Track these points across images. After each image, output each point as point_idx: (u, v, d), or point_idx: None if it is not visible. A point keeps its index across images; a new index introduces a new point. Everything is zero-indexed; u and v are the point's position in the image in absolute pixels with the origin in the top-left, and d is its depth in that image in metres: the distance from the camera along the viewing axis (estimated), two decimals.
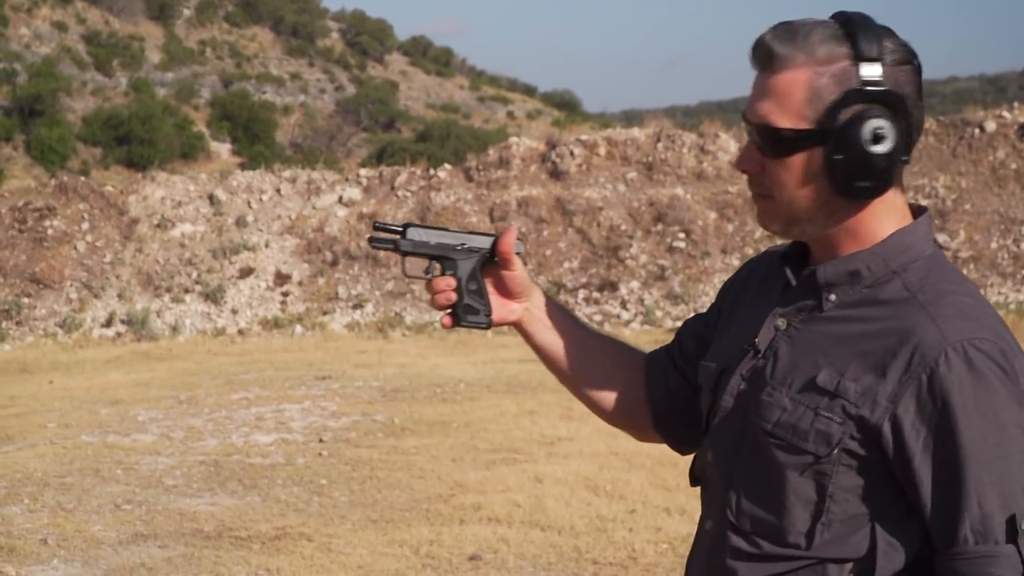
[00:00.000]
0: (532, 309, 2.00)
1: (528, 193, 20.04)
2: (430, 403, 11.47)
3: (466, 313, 1.93)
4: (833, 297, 1.65)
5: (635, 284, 18.80)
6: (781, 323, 1.69)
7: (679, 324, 16.84)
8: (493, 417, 10.55)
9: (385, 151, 36.26)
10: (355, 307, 18.74)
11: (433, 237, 1.94)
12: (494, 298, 1.96)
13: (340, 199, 20.40)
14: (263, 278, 19.22)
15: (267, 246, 19.67)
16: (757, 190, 1.68)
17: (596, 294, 18.59)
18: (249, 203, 20.38)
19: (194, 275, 19.07)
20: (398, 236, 1.93)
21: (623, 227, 19.60)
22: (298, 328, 18.08)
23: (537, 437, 9.61)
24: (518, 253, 1.95)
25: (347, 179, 21.00)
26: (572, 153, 20.74)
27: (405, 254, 1.94)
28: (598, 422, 8.12)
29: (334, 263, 19.42)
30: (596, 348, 2.02)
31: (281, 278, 19.22)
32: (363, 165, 25.30)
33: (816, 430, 1.58)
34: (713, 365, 1.79)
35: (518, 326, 2.01)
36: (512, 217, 19.21)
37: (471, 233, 1.96)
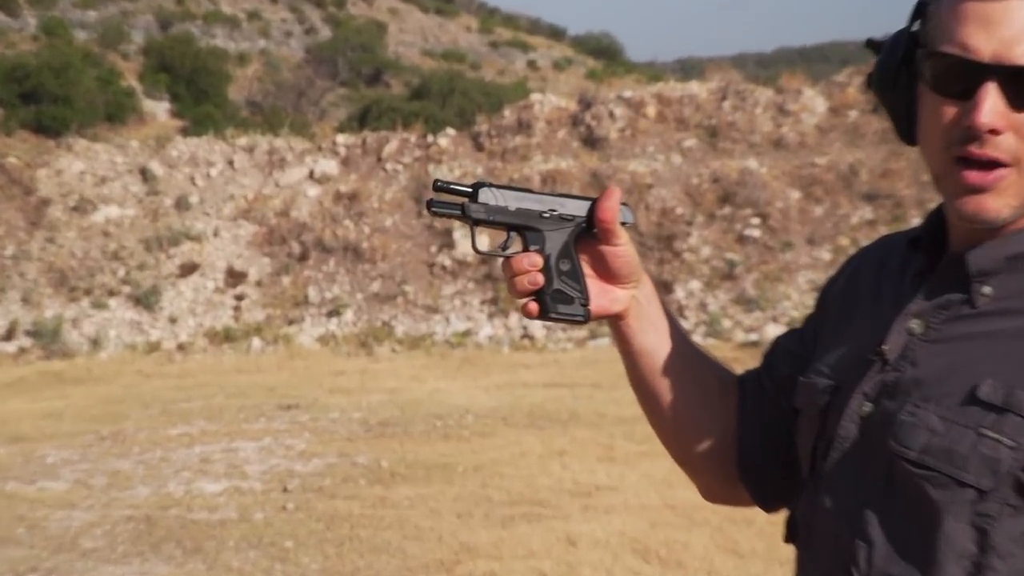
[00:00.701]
0: (640, 300, 2.00)
1: (555, 166, 19.82)
2: (428, 440, 11.43)
3: (556, 301, 1.93)
4: (988, 289, 1.65)
5: (695, 285, 18.75)
6: (916, 325, 1.69)
7: (753, 337, 16.71)
8: (511, 459, 10.51)
9: (370, 112, 35.94)
10: (330, 315, 18.69)
11: (512, 201, 1.95)
12: (592, 282, 1.96)
13: (311, 174, 20.31)
14: (211, 277, 19.16)
15: (216, 235, 19.63)
16: (992, 155, 1.59)
17: None
18: (193, 179, 20.31)
19: (121, 273, 19.05)
20: (467, 199, 1.95)
21: (679, 210, 19.45)
22: (256, 342, 18.16)
23: (568, 486, 9.54)
24: (624, 223, 1.94)
25: (320, 148, 20.92)
26: (612, 114, 20.60)
27: (476, 223, 1.95)
28: (648, 466, 8.56)
29: (303, 257, 19.34)
30: (696, 362, 2.03)
31: (234, 277, 19.17)
32: (341, 130, 25.61)
33: (980, 455, 1.55)
34: (822, 381, 1.80)
35: (618, 320, 2.00)
36: None
37: (561, 196, 1.96)
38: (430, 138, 21.08)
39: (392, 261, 19.47)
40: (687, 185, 19.93)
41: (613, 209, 1.90)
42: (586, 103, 21.33)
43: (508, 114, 21.55)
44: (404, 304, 18.96)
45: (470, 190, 1.94)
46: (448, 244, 19.20)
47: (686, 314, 18.39)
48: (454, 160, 20.49)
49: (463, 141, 21.01)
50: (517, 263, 1.92)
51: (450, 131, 21.70)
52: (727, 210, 19.67)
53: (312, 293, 19.17)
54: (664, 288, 18.66)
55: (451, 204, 1.92)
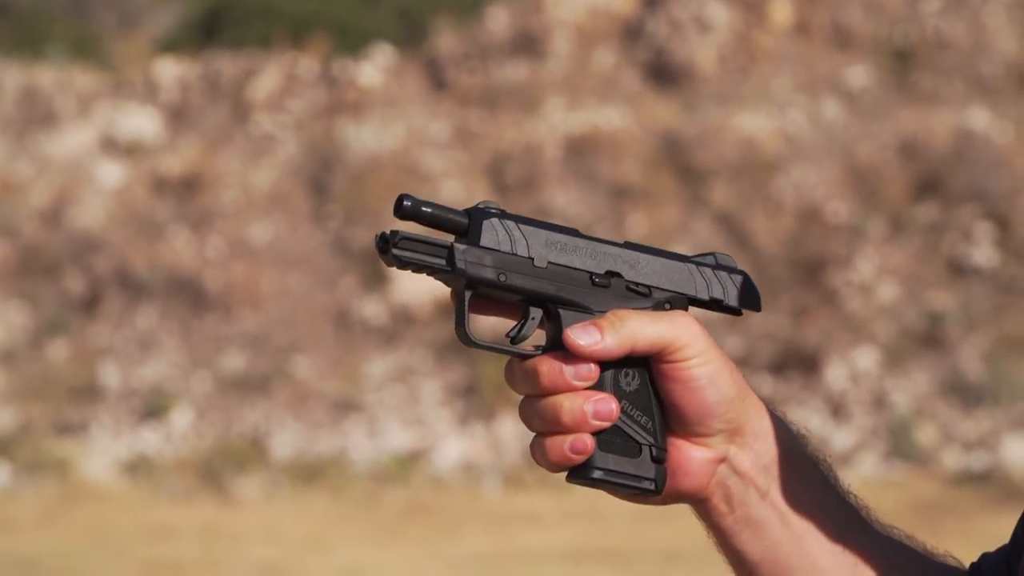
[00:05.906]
0: (743, 468, 1.38)
1: (590, 122, 16.93)
2: None
3: (607, 450, 1.37)
4: None
5: (865, 357, 15.45)
6: None
7: (977, 462, 14.29)
8: None
9: (222, 15, 30.61)
10: (145, 418, 15.84)
11: (542, 247, 1.38)
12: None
13: (106, 139, 17.99)
14: None
15: None
16: None
17: (771, 378, 15.63)
18: None
19: None
20: (454, 236, 1.38)
21: (834, 209, 16.40)
22: None
23: None
24: (736, 311, 1.46)
25: (123, 85, 18.59)
26: (702, 21, 17.59)
27: (471, 284, 1.36)
28: None
29: (90, 304, 16.74)
30: (876, 558, 1.44)
31: None
32: (166, 50, 22.54)
33: None
34: None
35: (699, 504, 1.39)
36: (547, 185, 15.32)
37: (628, 247, 1.40)
38: (341, 65, 18.24)
39: (268, 311, 16.51)
40: (850, 160, 16.84)
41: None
42: None
43: (496, 18, 18.34)
44: (290, 396, 15.90)
45: (463, 218, 1.39)
46: (375, 279, 15.93)
47: (848, 412, 14.85)
48: (390, 109, 17.06)
49: (408, 71, 17.97)
50: (548, 370, 1.31)
51: (382, 50, 18.69)
52: (928, 209, 16.61)
53: (107, 375, 16.25)
54: (805, 363, 15.12)
55: (425, 244, 1.39)
